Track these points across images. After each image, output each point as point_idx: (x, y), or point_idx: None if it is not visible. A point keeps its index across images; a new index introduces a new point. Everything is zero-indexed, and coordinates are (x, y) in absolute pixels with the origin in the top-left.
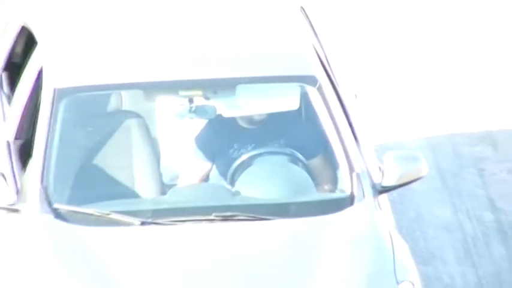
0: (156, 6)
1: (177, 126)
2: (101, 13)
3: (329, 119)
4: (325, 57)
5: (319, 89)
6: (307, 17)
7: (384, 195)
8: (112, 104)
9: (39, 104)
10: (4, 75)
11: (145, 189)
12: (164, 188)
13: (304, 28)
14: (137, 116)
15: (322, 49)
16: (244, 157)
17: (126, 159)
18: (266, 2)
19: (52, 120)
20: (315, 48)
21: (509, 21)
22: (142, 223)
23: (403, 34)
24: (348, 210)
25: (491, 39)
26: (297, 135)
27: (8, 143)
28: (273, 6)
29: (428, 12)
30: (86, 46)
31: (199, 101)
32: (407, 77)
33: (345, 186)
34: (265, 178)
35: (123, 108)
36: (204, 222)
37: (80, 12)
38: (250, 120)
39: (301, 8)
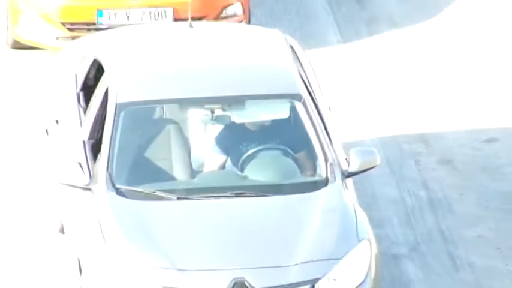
0: (188, 45)
1: (203, 130)
2: (148, 51)
3: (310, 124)
4: (308, 80)
5: (304, 103)
6: (295, 52)
7: (349, 179)
8: (157, 114)
9: (106, 114)
10: (81, 94)
11: (180, 174)
12: (194, 173)
13: (293, 60)
14: (174, 122)
15: (306, 74)
16: (250, 151)
17: (166, 153)
18: (266, 42)
19: (114, 125)
20: (300, 74)
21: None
22: (178, 198)
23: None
24: (324, 189)
25: (433, 54)
26: (288, 136)
27: (84, 142)
28: (271, 45)
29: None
30: (139, 73)
31: (218, 111)
32: (365, 94)
33: (321, 172)
34: (265, 166)
35: (165, 116)
36: (222, 198)
37: (134, 51)
38: (254, 125)
39: (291, 46)
